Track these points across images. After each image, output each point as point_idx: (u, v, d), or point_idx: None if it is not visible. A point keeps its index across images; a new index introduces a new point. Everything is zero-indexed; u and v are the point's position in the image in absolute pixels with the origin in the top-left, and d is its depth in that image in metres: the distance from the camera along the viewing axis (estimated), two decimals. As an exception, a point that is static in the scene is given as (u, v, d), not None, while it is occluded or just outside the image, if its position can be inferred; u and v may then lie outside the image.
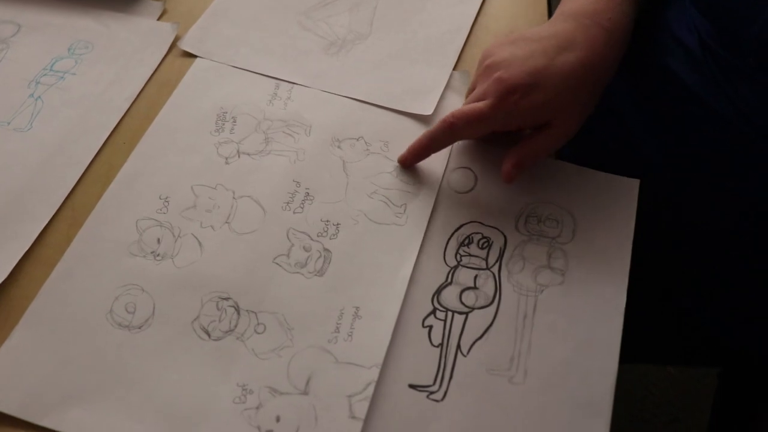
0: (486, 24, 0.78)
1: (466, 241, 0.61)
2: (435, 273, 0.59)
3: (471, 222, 0.62)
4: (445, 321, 0.57)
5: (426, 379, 0.54)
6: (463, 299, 0.58)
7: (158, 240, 0.59)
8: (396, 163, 0.65)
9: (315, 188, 0.63)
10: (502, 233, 0.61)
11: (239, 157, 0.65)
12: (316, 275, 0.58)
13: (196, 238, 0.60)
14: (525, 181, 0.64)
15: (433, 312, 0.57)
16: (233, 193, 0.62)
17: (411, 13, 0.78)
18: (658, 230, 0.70)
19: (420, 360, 0.55)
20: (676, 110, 0.68)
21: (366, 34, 0.76)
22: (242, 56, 0.72)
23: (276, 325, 0.56)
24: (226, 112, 0.68)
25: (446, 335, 0.56)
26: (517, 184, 0.63)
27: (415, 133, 0.66)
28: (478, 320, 0.57)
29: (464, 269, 0.59)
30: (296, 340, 0.55)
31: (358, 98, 0.69)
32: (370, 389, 0.53)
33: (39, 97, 0.69)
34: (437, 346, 0.56)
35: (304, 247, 0.60)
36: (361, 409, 0.52)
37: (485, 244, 0.60)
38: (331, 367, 0.54)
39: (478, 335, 0.56)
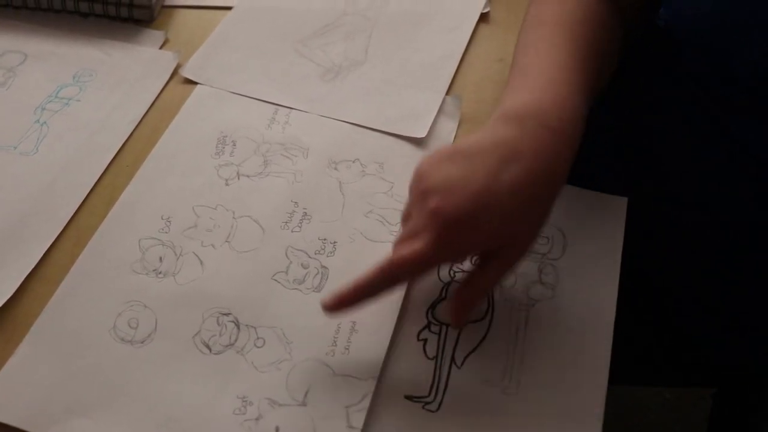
0: (477, 50, 0.80)
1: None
2: (429, 288, 0.61)
3: (464, 239, 0.64)
4: (439, 334, 0.58)
5: (422, 390, 0.56)
6: (457, 313, 0.59)
7: (160, 258, 0.61)
8: (391, 183, 0.67)
9: (312, 208, 0.65)
10: (495, 250, 0.63)
11: (239, 179, 0.67)
12: (313, 291, 0.60)
13: (197, 256, 0.61)
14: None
15: (428, 326, 0.59)
16: (233, 213, 0.64)
17: (405, 41, 0.80)
18: (649, 251, 0.72)
19: (415, 372, 0.56)
20: (668, 138, 0.70)
21: (361, 61, 0.78)
22: (242, 83, 0.75)
23: (275, 339, 0.57)
24: (226, 136, 0.70)
25: (441, 348, 0.58)
26: None
27: (408, 154, 0.69)
28: (471, 333, 0.58)
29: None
30: (295, 354, 0.57)
31: (354, 122, 0.72)
32: (367, 400, 0.54)
33: (45, 122, 0.71)
34: (432, 359, 0.57)
35: (302, 265, 0.61)
36: (359, 419, 0.53)
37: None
38: (329, 379, 0.55)
39: (472, 348, 0.58)
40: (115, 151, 0.69)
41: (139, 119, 0.71)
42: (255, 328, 0.58)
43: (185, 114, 0.72)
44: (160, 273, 0.60)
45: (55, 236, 0.62)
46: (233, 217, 0.64)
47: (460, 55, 0.79)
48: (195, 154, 0.68)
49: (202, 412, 0.54)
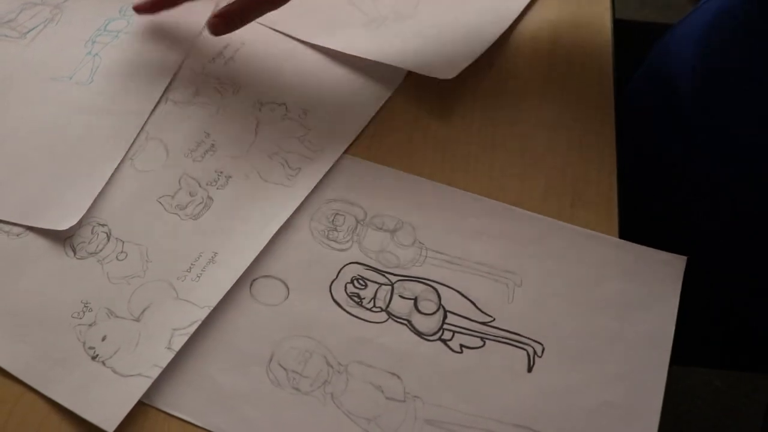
0: (538, 17, 0.77)
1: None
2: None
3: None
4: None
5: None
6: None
7: (63, 164, 0.64)
8: (308, 130, 0.67)
9: (221, 142, 0.66)
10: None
11: (166, 103, 0.69)
12: (191, 218, 0.61)
13: (98, 168, 0.64)
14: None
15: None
16: (147, 134, 0.67)
17: (459, 1, 0.78)
18: (710, 231, 0.68)
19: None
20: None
21: (409, 15, 0.76)
22: (282, 21, 0.74)
23: (137, 255, 0.59)
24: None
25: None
26: None
27: (339, 101, 0.69)
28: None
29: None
30: (149, 273, 0.58)
31: (382, 61, 0.71)
32: (194, 327, 0.55)
33: (97, 53, 0.73)
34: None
35: (190, 192, 0.63)
36: (179, 343, 0.55)
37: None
38: (170, 302, 0.57)
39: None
40: (170, 78, 0.70)
41: (190, 48, 0.73)
42: (123, 242, 0.60)
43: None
44: (59, 178, 0.64)
45: (120, 158, 0.64)
46: (146, 138, 0.66)
47: (510, 22, 0.75)
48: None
49: (43, 311, 0.56)
